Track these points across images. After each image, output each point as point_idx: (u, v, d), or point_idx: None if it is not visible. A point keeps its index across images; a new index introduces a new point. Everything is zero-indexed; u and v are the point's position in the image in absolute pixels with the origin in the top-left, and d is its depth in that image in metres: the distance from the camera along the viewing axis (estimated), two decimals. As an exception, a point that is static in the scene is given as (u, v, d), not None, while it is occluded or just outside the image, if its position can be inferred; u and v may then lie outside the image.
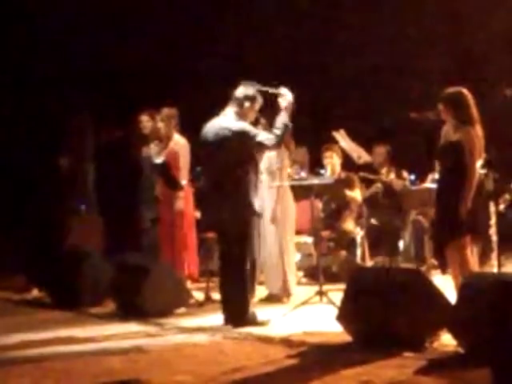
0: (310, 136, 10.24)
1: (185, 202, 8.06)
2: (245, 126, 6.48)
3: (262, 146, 6.49)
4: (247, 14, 11.94)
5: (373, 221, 9.55)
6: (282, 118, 6.52)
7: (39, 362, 5.31)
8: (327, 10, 11.91)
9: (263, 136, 6.49)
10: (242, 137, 6.39)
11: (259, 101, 6.63)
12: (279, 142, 6.55)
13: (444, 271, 6.48)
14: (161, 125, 8.25)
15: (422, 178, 10.20)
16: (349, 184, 9.07)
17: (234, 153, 6.40)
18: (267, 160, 7.69)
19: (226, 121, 6.52)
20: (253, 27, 11.81)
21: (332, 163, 9.07)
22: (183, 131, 8.32)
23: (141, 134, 8.52)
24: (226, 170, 6.43)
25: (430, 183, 9.56)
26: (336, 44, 12.04)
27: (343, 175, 9.10)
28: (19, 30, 11.15)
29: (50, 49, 11.27)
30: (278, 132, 6.50)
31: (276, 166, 7.72)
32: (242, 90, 6.59)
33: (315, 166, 9.51)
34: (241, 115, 6.54)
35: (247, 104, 6.56)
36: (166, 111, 8.26)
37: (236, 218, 6.41)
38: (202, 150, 6.75)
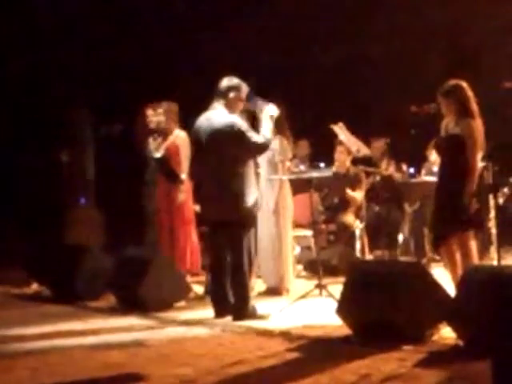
0: (310, 130, 10.25)
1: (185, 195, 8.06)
2: (236, 119, 6.46)
3: (250, 144, 6.38)
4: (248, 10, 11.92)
5: (376, 208, 9.55)
6: (269, 128, 6.55)
7: (39, 355, 5.31)
8: (326, 8, 11.89)
9: (253, 134, 6.46)
10: (233, 131, 6.37)
11: (244, 89, 6.61)
12: (264, 147, 6.50)
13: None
14: (162, 118, 8.23)
15: (421, 171, 10.22)
16: (354, 183, 9.06)
17: (228, 147, 6.39)
18: (269, 153, 7.69)
19: (216, 115, 6.50)
20: (253, 21, 11.78)
21: (342, 157, 9.08)
22: (183, 125, 8.32)
23: (146, 127, 8.50)
24: (221, 164, 6.42)
25: (424, 175, 9.60)
26: (336, 38, 12.02)
27: (352, 171, 9.11)
28: (20, 25, 11.13)
29: (50, 43, 11.26)
30: (266, 136, 6.50)
31: (278, 157, 7.73)
32: (225, 82, 6.58)
33: (316, 159, 9.52)
34: (228, 107, 6.51)
35: (232, 94, 6.53)
36: (165, 105, 8.25)
37: (234, 212, 6.41)
38: (195, 146, 6.76)
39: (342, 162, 9.13)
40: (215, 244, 6.64)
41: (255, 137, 6.44)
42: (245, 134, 6.37)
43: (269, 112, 6.61)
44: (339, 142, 9.06)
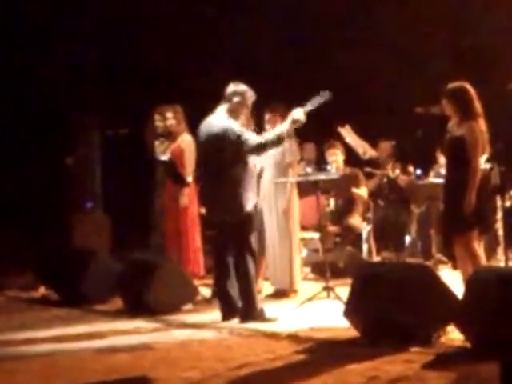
0: (317, 132, 10.23)
1: (189, 198, 8.07)
2: (232, 123, 6.46)
3: (244, 146, 6.36)
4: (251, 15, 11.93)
5: (383, 210, 9.53)
6: (281, 129, 6.48)
7: (46, 358, 5.33)
8: (329, 8, 11.90)
9: (249, 135, 6.46)
10: (228, 135, 6.37)
11: (250, 95, 6.60)
12: (261, 148, 6.41)
13: (455, 266, 6.47)
14: (173, 122, 8.25)
15: (427, 172, 10.21)
16: (354, 181, 9.05)
17: (225, 151, 6.40)
18: (278, 155, 7.66)
19: (215, 120, 6.54)
20: (257, 24, 11.79)
21: (336, 160, 9.08)
22: (190, 129, 8.33)
23: (154, 131, 8.50)
24: (220, 168, 6.43)
25: (433, 177, 9.59)
26: (340, 40, 12.03)
27: (348, 171, 9.10)
28: (25, 28, 11.16)
29: (56, 48, 11.28)
30: (267, 137, 6.47)
31: (289, 158, 7.72)
32: (231, 87, 6.58)
33: (323, 162, 9.51)
34: (231, 112, 6.52)
35: (236, 99, 6.53)
36: (172, 108, 8.27)
37: (233, 214, 6.42)
38: (198, 150, 6.89)
39: (338, 163, 9.09)
40: (218, 246, 6.66)
41: (251, 139, 6.42)
42: (240, 137, 6.37)
43: (293, 115, 6.44)
44: (328, 146, 9.06)
